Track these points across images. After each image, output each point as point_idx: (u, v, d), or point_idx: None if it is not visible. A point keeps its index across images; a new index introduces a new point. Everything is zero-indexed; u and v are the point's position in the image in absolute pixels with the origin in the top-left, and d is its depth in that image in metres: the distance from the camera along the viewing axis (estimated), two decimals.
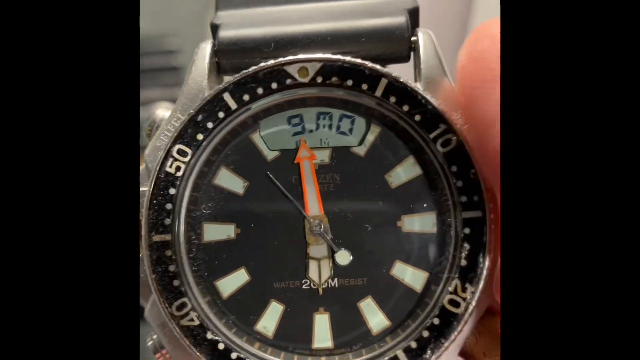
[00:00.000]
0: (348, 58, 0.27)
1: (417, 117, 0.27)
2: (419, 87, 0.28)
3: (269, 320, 0.28)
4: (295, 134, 0.28)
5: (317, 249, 0.28)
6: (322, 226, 0.28)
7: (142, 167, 0.29)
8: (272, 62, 0.27)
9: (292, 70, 0.27)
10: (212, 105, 0.27)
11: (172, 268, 0.27)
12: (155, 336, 0.28)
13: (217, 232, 0.28)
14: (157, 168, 0.27)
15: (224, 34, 0.29)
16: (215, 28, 0.30)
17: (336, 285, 0.27)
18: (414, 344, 0.27)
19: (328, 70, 0.27)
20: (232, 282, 0.28)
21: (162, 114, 0.29)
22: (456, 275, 0.27)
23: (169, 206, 0.27)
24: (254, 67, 0.27)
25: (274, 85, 0.27)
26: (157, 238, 0.26)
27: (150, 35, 0.70)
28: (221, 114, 0.27)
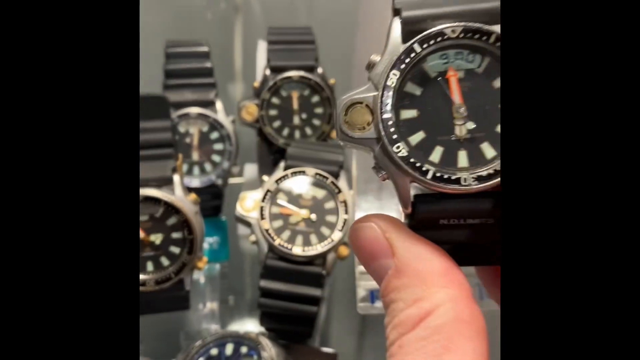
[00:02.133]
0: (476, 24, 0.41)
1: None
2: None
3: (435, 156, 0.40)
4: (445, 63, 0.41)
5: (459, 120, 0.41)
6: (462, 108, 0.41)
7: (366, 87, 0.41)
8: (438, 27, 0.40)
9: (448, 30, 0.40)
10: (408, 50, 0.40)
11: (392, 130, 0.41)
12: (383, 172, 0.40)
13: (407, 114, 0.41)
14: (384, 82, 0.40)
15: (406, 13, 0.41)
16: (398, 10, 0.42)
17: (469, 137, 0.41)
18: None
19: (467, 30, 0.41)
20: (415, 138, 0.40)
21: (375, 57, 0.41)
22: None
23: (388, 100, 0.40)
24: (428, 30, 0.41)
25: (439, 39, 0.40)
26: (384, 115, 0.40)
27: (180, 40, 0.76)
28: (412, 54, 0.40)
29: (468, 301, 0.27)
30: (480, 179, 0.38)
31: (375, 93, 0.38)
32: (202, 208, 0.64)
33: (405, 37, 0.40)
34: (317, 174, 0.64)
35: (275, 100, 0.76)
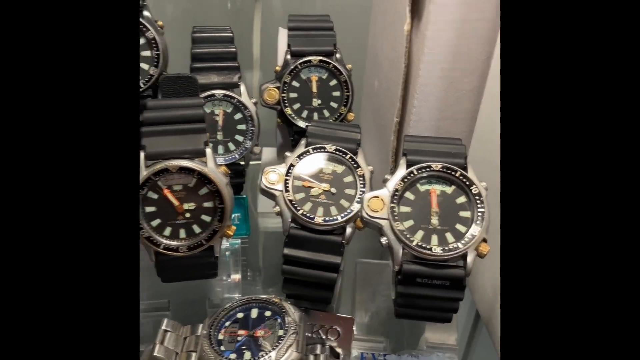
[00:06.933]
0: (448, 164, 0.62)
1: None
2: None
3: (417, 236, 0.59)
4: (429, 184, 0.62)
5: (434, 217, 0.60)
6: (436, 211, 0.60)
7: None
8: (427, 163, 0.62)
9: (433, 165, 0.61)
10: (410, 172, 0.61)
11: (395, 215, 0.61)
12: None
13: (404, 209, 0.60)
14: (393, 188, 0.60)
15: (410, 157, 0.62)
16: (405, 153, 0.62)
17: (439, 228, 0.60)
18: None
19: (444, 167, 0.60)
20: (407, 223, 0.59)
21: (388, 176, 0.61)
22: None
23: (395, 199, 0.60)
24: (422, 164, 0.62)
25: (428, 169, 0.61)
26: (392, 206, 0.60)
27: (206, 26, 0.80)
28: (411, 175, 0.60)
29: None
30: (444, 250, 0.56)
31: (387, 193, 0.59)
32: None
33: (408, 165, 0.60)
34: (336, 150, 0.68)
35: (295, 83, 0.80)
